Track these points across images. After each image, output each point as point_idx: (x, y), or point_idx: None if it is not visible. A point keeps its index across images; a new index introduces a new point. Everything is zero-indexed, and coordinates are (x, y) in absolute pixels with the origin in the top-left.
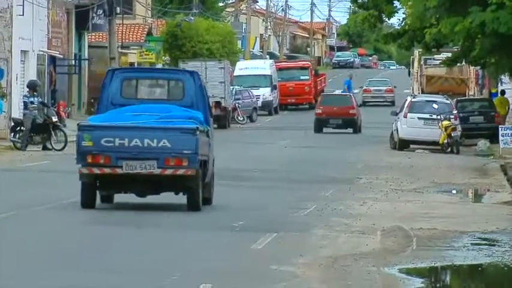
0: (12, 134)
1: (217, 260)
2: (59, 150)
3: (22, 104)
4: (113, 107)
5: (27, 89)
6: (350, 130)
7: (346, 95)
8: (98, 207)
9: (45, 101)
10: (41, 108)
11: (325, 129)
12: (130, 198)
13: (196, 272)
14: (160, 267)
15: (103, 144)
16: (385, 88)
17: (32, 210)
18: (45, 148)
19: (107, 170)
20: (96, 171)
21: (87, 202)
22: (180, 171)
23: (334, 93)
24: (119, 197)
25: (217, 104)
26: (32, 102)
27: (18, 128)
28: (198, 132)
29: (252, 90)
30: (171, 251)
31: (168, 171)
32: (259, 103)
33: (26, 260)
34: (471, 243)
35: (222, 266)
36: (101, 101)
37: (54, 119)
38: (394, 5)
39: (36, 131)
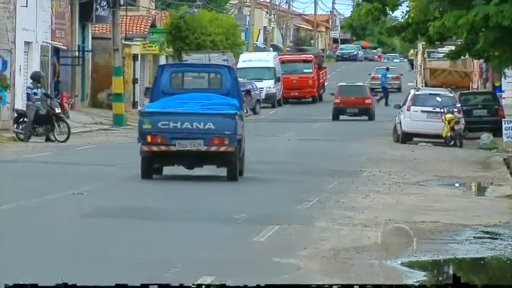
0: (15, 125)
1: (219, 251)
2: (62, 141)
3: (25, 95)
4: (164, 96)
5: (31, 81)
6: (365, 118)
7: (362, 85)
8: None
9: (49, 93)
10: (44, 100)
11: (341, 117)
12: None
13: (198, 264)
14: (162, 258)
15: (160, 127)
16: (392, 76)
17: (33, 202)
18: (48, 139)
19: (163, 148)
20: (154, 148)
21: (146, 174)
22: (222, 148)
23: (350, 84)
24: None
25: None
26: (35, 94)
27: (21, 119)
28: (236, 117)
29: (255, 83)
30: (172, 243)
31: (213, 148)
32: (263, 95)
33: (27, 250)
34: (474, 237)
35: (224, 258)
36: (154, 91)
37: (58, 110)
38: None
39: (40, 122)
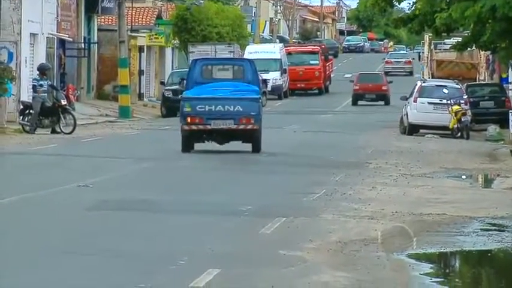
0: (21, 117)
1: (225, 244)
2: (67, 133)
3: (31, 87)
4: (196, 85)
5: (37, 72)
6: (382, 103)
7: (379, 73)
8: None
9: (55, 85)
10: (50, 92)
11: (359, 102)
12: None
13: (204, 257)
14: (167, 251)
15: (198, 110)
16: (404, 60)
17: (38, 194)
18: (54, 131)
19: (201, 127)
20: (193, 127)
21: (186, 149)
22: (249, 127)
23: (368, 72)
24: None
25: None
26: (41, 86)
27: (27, 111)
28: (260, 100)
29: (261, 74)
30: (178, 236)
31: (241, 127)
32: (269, 87)
33: (31, 244)
34: (481, 229)
35: (230, 251)
36: (188, 80)
37: (63, 102)
38: None
39: (45, 114)
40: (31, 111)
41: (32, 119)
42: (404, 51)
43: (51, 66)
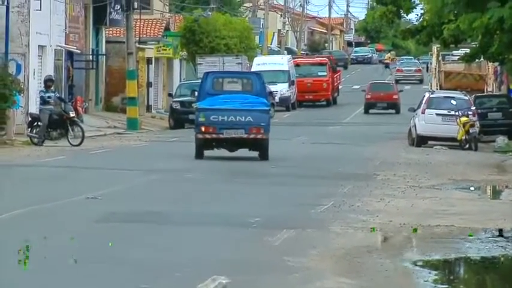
0: (30, 129)
1: (232, 253)
2: (76, 145)
3: (40, 99)
4: (208, 96)
5: (43, 84)
6: (393, 111)
7: (390, 83)
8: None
9: (63, 96)
10: (58, 104)
11: (371, 111)
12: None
13: (209, 264)
14: (174, 260)
15: (211, 120)
16: (414, 68)
17: (47, 206)
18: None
19: (214, 136)
20: (207, 136)
21: (200, 156)
22: (259, 136)
23: (380, 82)
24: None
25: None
26: (49, 97)
27: (36, 123)
28: (269, 112)
29: (269, 86)
30: (185, 246)
31: (251, 136)
32: (277, 99)
33: (40, 256)
34: (485, 237)
35: (236, 258)
36: (201, 92)
37: (72, 114)
38: (412, 0)
39: (53, 126)
40: (39, 123)
41: (40, 131)
42: (415, 60)
43: (55, 78)
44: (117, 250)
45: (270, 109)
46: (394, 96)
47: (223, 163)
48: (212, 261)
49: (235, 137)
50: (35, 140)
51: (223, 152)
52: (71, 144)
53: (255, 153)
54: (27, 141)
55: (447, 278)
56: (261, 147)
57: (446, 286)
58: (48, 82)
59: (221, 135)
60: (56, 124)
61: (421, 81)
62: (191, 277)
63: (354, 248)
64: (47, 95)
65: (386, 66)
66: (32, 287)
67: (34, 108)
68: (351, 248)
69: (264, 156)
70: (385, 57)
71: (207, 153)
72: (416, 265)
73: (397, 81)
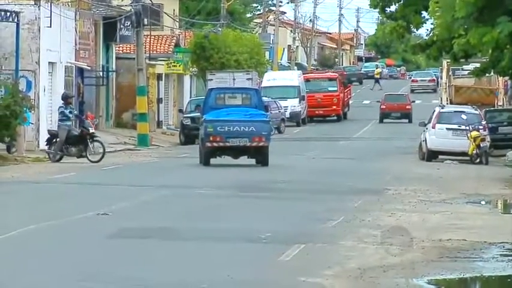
0: (48, 146)
1: (244, 272)
2: (95, 161)
3: (53, 115)
4: (211, 110)
5: (62, 101)
6: (406, 121)
7: (403, 94)
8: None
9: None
10: (75, 120)
11: (385, 120)
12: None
13: (223, 284)
14: (187, 279)
15: (218, 130)
16: (428, 78)
17: (57, 223)
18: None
19: (221, 144)
20: (215, 144)
21: (206, 163)
22: (261, 144)
23: (394, 93)
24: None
25: None
26: (70, 113)
27: (54, 140)
28: (270, 123)
29: (279, 102)
30: (197, 263)
31: (254, 144)
32: (287, 114)
33: (51, 272)
34: (500, 254)
35: (250, 278)
36: (205, 106)
37: (92, 130)
38: (422, 15)
39: (72, 142)
40: (58, 139)
41: (56, 148)
42: (428, 71)
43: (73, 95)
44: (129, 268)
45: (269, 120)
46: (407, 107)
47: (234, 178)
48: (225, 280)
49: (240, 145)
50: (51, 156)
51: (232, 165)
52: (90, 160)
53: (264, 168)
54: (37, 157)
55: None
56: (262, 154)
57: None
58: (68, 98)
59: (227, 144)
60: (75, 140)
61: (434, 91)
62: None
63: (369, 268)
64: (68, 110)
65: (376, 81)
66: None
67: (45, 124)
68: (366, 268)
69: (264, 162)
70: (375, 73)
71: (216, 167)
72: (431, 284)
73: (412, 91)
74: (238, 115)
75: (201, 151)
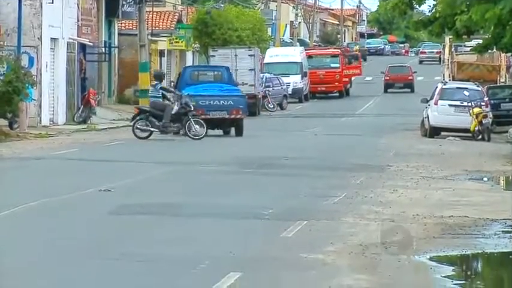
0: (133, 121)
1: (246, 248)
2: (197, 139)
3: (157, 92)
4: (187, 86)
5: (156, 80)
6: (408, 90)
7: (405, 66)
8: None
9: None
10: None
11: (389, 90)
12: None
13: (225, 260)
14: (189, 255)
15: (200, 104)
16: (436, 50)
17: (60, 199)
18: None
19: (203, 116)
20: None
21: (186, 133)
22: (238, 116)
23: (397, 65)
24: None
25: None
26: (168, 91)
27: (140, 117)
28: (245, 97)
29: (282, 78)
30: (199, 239)
31: (232, 116)
32: (290, 90)
33: (53, 248)
34: (502, 231)
35: (252, 254)
36: (181, 82)
37: (192, 108)
38: None
39: (172, 119)
40: (139, 116)
41: (166, 121)
42: (436, 43)
43: (165, 73)
44: (131, 244)
45: (245, 95)
46: (409, 77)
47: (236, 154)
48: (227, 256)
49: (219, 117)
50: (138, 133)
51: (236, 143)
52: (191, 137)
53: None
54: (40, 133)
55: (464, 273)
56: (238, 125)
57: (464, 282)
58: (161, 76)
59: (208, 116)
60: (174, 117)
61: (439, 61)
62: (207, 274)
63: (370, 244)
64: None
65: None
66: (44, 279)
67: (47, 100)
68: (368, 245)
69: (239, 132)
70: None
71: (219, 144)
72: (433, 260)
73: (420, 62)
74: (215, 90)
75: None
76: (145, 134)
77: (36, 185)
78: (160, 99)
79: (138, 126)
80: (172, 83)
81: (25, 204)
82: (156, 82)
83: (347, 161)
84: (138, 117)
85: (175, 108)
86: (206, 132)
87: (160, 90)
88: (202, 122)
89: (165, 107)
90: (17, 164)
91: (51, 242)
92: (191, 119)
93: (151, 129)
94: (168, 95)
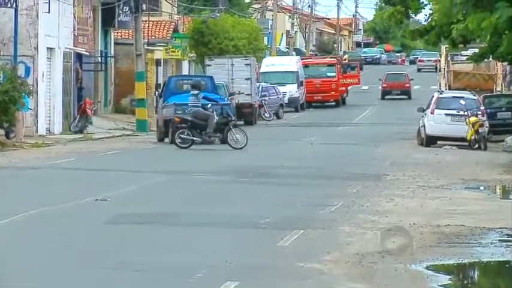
0: (172, 133)
1: (243, 257)
2: (238, 148)
3: (197, 101)
4: (172, 95)
5: (195, 89)
6: (405, 97)
7: (402, 73)
8: None
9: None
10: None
11: (387, 97)
12: None
13: (221, 269)
14: (186, 264)
15: (186, 112)
16: (433, 59)
17: (56, 208)
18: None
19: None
20: (184, 125)
21: (172, 141)
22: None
23: (394, 72)
24: None
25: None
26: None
27: (173, 129)
28: (231, 105)
29: (278, 87)
30: (196, 249)
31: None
32: (286, 100)
33: (50, 257)
34: (499, 240)
35: (248, 263)
36: (166, 91)
37: (233, 117)
38: (421, 0)
39: (215, 129)
40: (187, 126)
41: (210, 131)
42: (433, 52)
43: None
44: (128, 253)
45: (230, 103)
46: (406, 85)
47: (232, 164)
48: (224, 265)
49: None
50: (180, 143)
51: (229, 151)
52: (232, 147)
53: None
54: (36, 143)
55: (461, 282)
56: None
57: None
58: (200, 85)
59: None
60: (216, 127)
61: (436, 70)
62: (204, 283)
63: (367, 253)
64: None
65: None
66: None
67: (43, 110)
68: (364, 254)
69: (224, 138)
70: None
71: (216, 153)
72: (430, 269)
73: (418, 70)
74: (202, 100)
75: (161, 129)
76: (186, 144)
77: (33, 194)
78: (201, 109)
79: (182, 136)
80: (157, 93)
81: (24, 213)
82: (196, 91)
83: (343, 170)
84: (180, 127)
85: (216, 117)
86: (247, 142)
87: (202, 100)
88: (243, 131)
89: (208, 116)
90: (14, 174)
91: (47, 251)
92: (232, 129)
93: (194, 138)
94: (209, 104)
